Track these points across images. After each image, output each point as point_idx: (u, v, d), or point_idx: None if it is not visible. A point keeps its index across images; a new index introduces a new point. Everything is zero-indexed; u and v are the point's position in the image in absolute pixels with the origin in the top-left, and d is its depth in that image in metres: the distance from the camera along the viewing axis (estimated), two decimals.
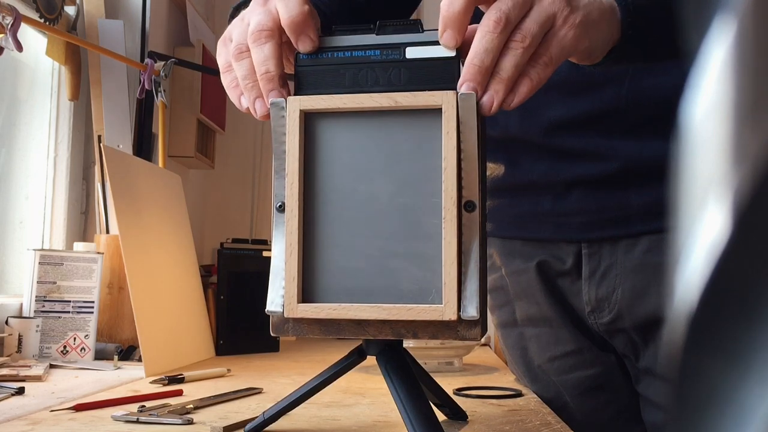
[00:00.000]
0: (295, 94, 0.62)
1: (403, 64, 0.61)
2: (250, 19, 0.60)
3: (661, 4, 0.62)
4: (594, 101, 0.82)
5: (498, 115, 0.88)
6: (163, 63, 1.48)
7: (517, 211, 0.92)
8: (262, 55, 0.59)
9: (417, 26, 0.61)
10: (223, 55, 0.63)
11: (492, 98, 0.56)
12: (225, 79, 0.64)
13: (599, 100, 0.82)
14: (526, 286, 0.92)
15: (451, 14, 0.56)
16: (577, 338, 0.90)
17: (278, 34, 0.60)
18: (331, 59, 0.62)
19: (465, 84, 0.56)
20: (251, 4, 0.62)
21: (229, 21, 0.69)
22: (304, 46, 0.61)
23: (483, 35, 0.55)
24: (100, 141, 1.45)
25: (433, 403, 0.69)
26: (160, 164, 1.53)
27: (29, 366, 1.05)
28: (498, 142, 0.90)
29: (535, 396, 0.93)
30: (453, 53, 0.59)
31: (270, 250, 0.63)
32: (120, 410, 0.75)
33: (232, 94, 0.63)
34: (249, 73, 0.60)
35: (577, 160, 0.84)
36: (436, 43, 0.60)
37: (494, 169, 0.93)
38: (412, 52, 0.60)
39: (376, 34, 0.61)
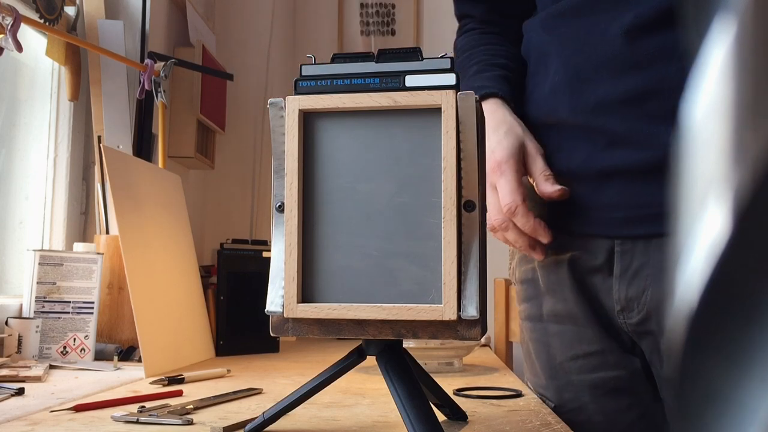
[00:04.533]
0: None
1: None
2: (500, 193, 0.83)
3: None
4: (640, 80, 0.80)
5: (549, 95, 0.88)
6: (163, 63, 1.48)
7: (551, 203, 0.90)
8: (512, 236, 0.85)
9: (417, 54, 0.61)
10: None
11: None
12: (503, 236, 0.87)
13: (646, 79, 0.80)
14: (556, 280, 0.91)
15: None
16: (601, 339, 0.89)
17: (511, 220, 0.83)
18: (331, 87, 0.62)
19: None
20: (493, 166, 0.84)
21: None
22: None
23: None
24: (100, 141, 1.45)
25: (433, 404, 0.69)
26: (160, 164, 1.53)
27: (29, 366, 1.05)
28: (540, 128, 0.89)
29: (535, 396, 0.93)
30: (453, 82, 0.59)
31: (270, 250, 0.63)
32: (120, 411, 0.75)
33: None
34: (529, 233, 0.84)
35: (616, 147, 0.83)
36: (436, 71, 0.60)
37: None
38: (411, 81, 0.60)
39: (376, 62, 0.61)
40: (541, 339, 0.95)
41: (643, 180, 0.82)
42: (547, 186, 0.84)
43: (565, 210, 0.89)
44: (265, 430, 0.67)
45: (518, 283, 1.00)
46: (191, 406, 0.78)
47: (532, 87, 0.93)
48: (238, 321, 1.45)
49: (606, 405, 0.90)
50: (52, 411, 0.76)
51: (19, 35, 1.11)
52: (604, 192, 0.85)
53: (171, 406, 0.78)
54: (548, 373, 0.95)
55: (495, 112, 0.89)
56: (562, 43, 0.88)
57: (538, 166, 0.86)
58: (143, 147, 1.56)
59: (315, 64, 0.63)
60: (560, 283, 0.91)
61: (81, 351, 1.21)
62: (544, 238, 0.83)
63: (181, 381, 1.00)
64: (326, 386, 0.66)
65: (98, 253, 1.27)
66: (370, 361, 0.66)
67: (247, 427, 0.66)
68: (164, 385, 0.97)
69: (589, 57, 0.84)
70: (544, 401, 0.92)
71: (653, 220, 0.82)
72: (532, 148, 0.87)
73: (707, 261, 0.15)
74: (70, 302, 1.21)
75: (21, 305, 1.22)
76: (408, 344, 1.14)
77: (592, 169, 0.85)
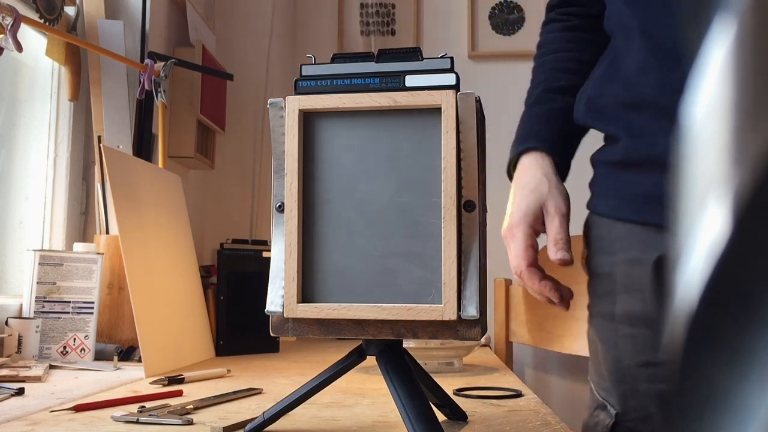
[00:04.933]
0: None
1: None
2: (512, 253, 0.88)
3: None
4: None
5: (634, 73, 0.85)
6: (163, 63, 1.48)
7: (634, 190, 0.84)
8: (532, 293, 0.90)
9: (417, 54, 0.61)
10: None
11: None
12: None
13: None
14: (637, 279, 0.84)
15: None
16: None
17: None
18: (331, 87, 0.62)
19: None
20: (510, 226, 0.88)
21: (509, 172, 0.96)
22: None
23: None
24: (100, 141, 1.45)
25: (433, 404, 0.69)
26: (160, 164, 1.53)
27: (29, 366, 1.05)
28: (622, 109, 0.84)
29: (535, 396, 0.93)
30: (453, 82, 0.59)
31: (270, 250, 0.63)
32: (120, 411, 0.75)
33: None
34: (537, 294, 0.89)
35: None
36: (436, 71, 0.60)
37: (610, 140, 0.88)
38: (411, 81, 0.60)
39: (376, 62, 0.61)
40: (611, 339, 0.89)
41: None
42: (551, 252, 0.84)
43: (650, 201, 0.83)
44: (265, 430, 0.67)
45: (590, 275, 0.94)
46: (191, 406, 0.78)
47: (610, 63, 0.89)
48: (238, 321, 1.45)
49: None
50: (52, 411, 0.76)
51: (19, 35, 1.11)
52: None
53: (171, 406, 0.78)
54: (614, 376, 0.89)
55: (528, 170, 0.90)
56: (647, 15, 0.83)
57: (552, 228, 0.86)
58: (143, 147, 1.56)
59: (315, 64, 0.63)
60: (641, 282, 0.84)
61: (81, 351, 1.21)
62: (554, 298, 0.87)
63: (181, 381, 1.00)
64: (326, 386, 0.66)
65: (98, 253, 1.27)
66: (370, 361, 0.66)
67: (247, 427, 0.66)
68: (164, 385, 0.97)
69: (679, 32, 0.78)
70: (606, 406, 0.88)
71: None
72: (552, 208, 0.87)
73: (707, 261, 0.15)
74: (70, 302, 1.21)
75: (21, 305, 1.22)
76: (408, 344, 1.14)
77: None
